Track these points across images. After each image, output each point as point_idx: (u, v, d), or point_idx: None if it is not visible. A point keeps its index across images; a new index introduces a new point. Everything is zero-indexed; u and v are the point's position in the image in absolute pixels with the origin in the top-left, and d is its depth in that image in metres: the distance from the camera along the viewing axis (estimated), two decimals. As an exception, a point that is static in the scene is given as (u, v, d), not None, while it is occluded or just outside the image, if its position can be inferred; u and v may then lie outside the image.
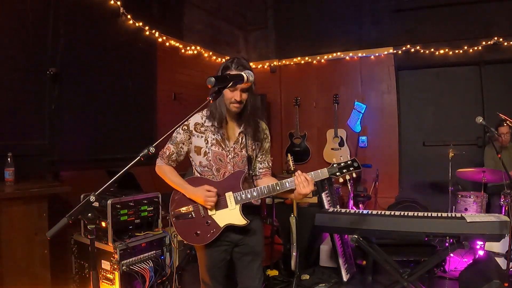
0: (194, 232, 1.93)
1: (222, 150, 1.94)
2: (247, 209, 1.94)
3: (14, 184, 2.52)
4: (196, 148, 1.95)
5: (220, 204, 1.90)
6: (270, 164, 2.12)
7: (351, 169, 1.90)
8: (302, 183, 1.84)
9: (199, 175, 1.99)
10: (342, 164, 1.91)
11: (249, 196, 1.88)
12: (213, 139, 1.93)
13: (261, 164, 2.07)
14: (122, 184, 3.18)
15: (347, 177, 1.94)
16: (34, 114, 3.00)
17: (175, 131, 1.92)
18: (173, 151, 1.98)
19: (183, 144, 1.96)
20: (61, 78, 3.11)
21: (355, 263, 3.80)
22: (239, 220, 1.88)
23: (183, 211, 1.97)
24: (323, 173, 1.90)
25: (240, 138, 1.97)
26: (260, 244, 2.07)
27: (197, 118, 1.95)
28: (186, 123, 1.93)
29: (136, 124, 3.88)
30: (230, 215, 1.90)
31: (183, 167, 2.16)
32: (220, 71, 1.87)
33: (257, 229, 2.04)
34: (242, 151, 1.96)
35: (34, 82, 2.97)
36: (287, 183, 1.89)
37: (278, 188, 1.88)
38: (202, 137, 1.94)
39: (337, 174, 1.90)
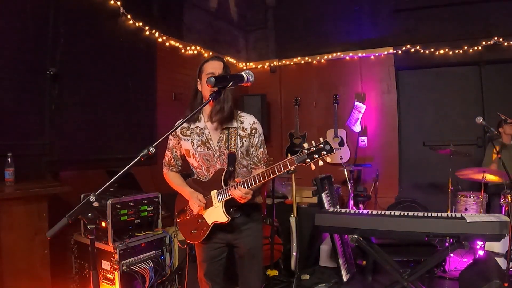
0: (190, 230, 2.07)
1: (208, 150, 2.00)
2: (242, 209, 1.99)
3: (14, 184, 2.52)
4: (186, 151, 2.07)
5: (208, 202, 1.98)
6: (261, 157, 2.07)
7: (323, 153, 1.67)
8: (239, 198, 1.85)
9: (195, 177, 2.11)
10: (312, 148, 1.69)
11: (228, 193, 1.89)
12: (198, 140, 2.01)
13: (252, 159, 2.06)
14: (122, 184, 3.18)
15: (320, 162, 1.69)
16: (34, 114, 3.00)
17: (168, 137, 2.03)
18: (170, 156, 2.15)
19: (175, 148, 2.12)
20: (61, 78, 3.11)
21: (355, 263, 3.80)
22: (221, 217, 1.92)
23: (181, 211, 2.13)
24: (290, 162, 1.72)
25: (224, 137, 1.98)
26: (256, 246, 2.10)
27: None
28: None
29: (136, 124, 3.88)
30: (215, 212, 1.95)
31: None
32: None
33: (251, 229, 2.06)
34: (226, 149, 1.97)
35: (34, 82, 2.97)
36: (255, 179, 1.82)
37: (251, 183, 1.82)
38: (188, 140, 2.03)
39: (307, 161, 1.69)
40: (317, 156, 1.68)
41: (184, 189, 2.06)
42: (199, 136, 2.00)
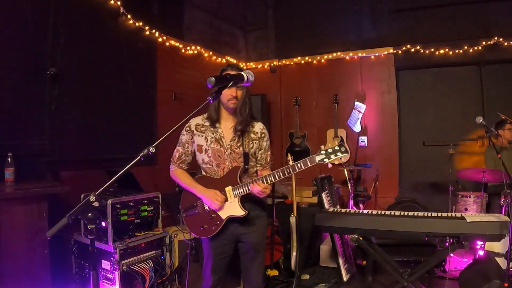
0: (201, 225, 2.13)
1: (220, 147, 2.14)
2: (252, 206, 2.13)
3: (14, 184, 2.51)
4: (198, 146, 2.18)
5: None
6: (268, 160, 2.26)
7: (338, 153, 1.92)
8: (259, 193, 2.00)
9: (204, 173, 2.20)
10: (329, 150, 1.93)
11: (246, 189, 2.03)
12: (212, 137, 2.15)
13: (259, 161, 2.23)
14: (122, 184, 3.18)
15: (336, 162, 1.94)
16: (34, 114, 2.99)
17: (180, 133, 2.21)
18: (181, 152, 2.22)
19: (188, 143, 2.21)
20: (61, 78, 3.10)
21: (355, 263, 3.80)
22: (238, 211, 2.05)
23: (190, 208, 2.19)
24: (310, 161, 1.94)
25: (236, 136, 2.14)
26: (261, 241, 2.22)
27: (198, 120, 2.20)
28: (188, 124, 2.19)
29: (136, 124, 3.87)
30: (230, 207, 2.07)
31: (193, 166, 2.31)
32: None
33: (258, 226, 2.18)
34: (238, 148, 2.14)
35: (34, 82, 2.97)
36: (275, 176, 2.00)
37: (270, 179, 2.00)
38: (202, 136, 2.16)
39: (325, 160, 1.92)
40: (333, 156, 1.91)
41: (195, 187, 2.14)
42: (213, 133, 2.15)
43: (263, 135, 2.21)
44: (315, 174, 3.89)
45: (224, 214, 2.08)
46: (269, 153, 2.27)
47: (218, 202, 2.04)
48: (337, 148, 1.92)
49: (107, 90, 3.59)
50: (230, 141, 2.14)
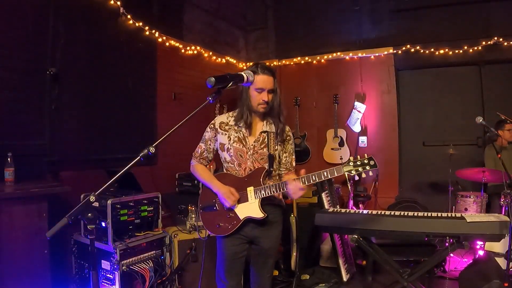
0: (217, 223, 2.11)
1: (242, 147, 2.11)
2: (271, 209, 2.10)
3: (14, 184, 2.51)
4: (221, 144, 2.16)
5: (241, 198, 2.06)
6: (294, 164, 2.25)
7: (367, 167, 1.86)
8: (296, 193, 1.95)
9: (226, 172, 2.18)
10: (358, 162, 1.88)
11: (268, 191, 2.00)
12: (235, 136, 2.12)
13: (285, 165, 2.20)
14: (122, 184, 3.18)
15: (363, 175, 1.88)
16: (34, 114, 2.99)
17: (205, 130, 2.20)
18: (203, 148, 2.22)
19: (211, 141, 2.19)
20: (61, 78, 3.10)
21: (355, 263, 3.80)
22: (257, 213, 2.01)
23: (208, 204, 2.17)
24: (337, 170, 1.89)
25: (261, 137, 2.12)
26: (273, 248, 2.20)
27: (223, 118, 2.19)
28: (212, 122, 2.19)
29: (136, 124, 3.87)
30: (250, 208, 2.04)
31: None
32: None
33: (274, 230, 2.16)
34: (263, 149, 2.10)
35: (34, 82, 2.97)
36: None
37: (306, 180, 1.94)
38: (225, 134, 2.14)
39: (352, 172, 1.87)
40: (361, 169, 1.86)
41: (213, 182, 2.13)
42: (236, 133, 2.12)
43: (288, 137, 2.19)
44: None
45: (242, 215, 2.06)
46: (293, 157, 2.24)
47: (231, 200, 2.02)
48: (366, 161, 1.86)
49: (107, 90, 3.59)
50: (254, 142, 2.12)
